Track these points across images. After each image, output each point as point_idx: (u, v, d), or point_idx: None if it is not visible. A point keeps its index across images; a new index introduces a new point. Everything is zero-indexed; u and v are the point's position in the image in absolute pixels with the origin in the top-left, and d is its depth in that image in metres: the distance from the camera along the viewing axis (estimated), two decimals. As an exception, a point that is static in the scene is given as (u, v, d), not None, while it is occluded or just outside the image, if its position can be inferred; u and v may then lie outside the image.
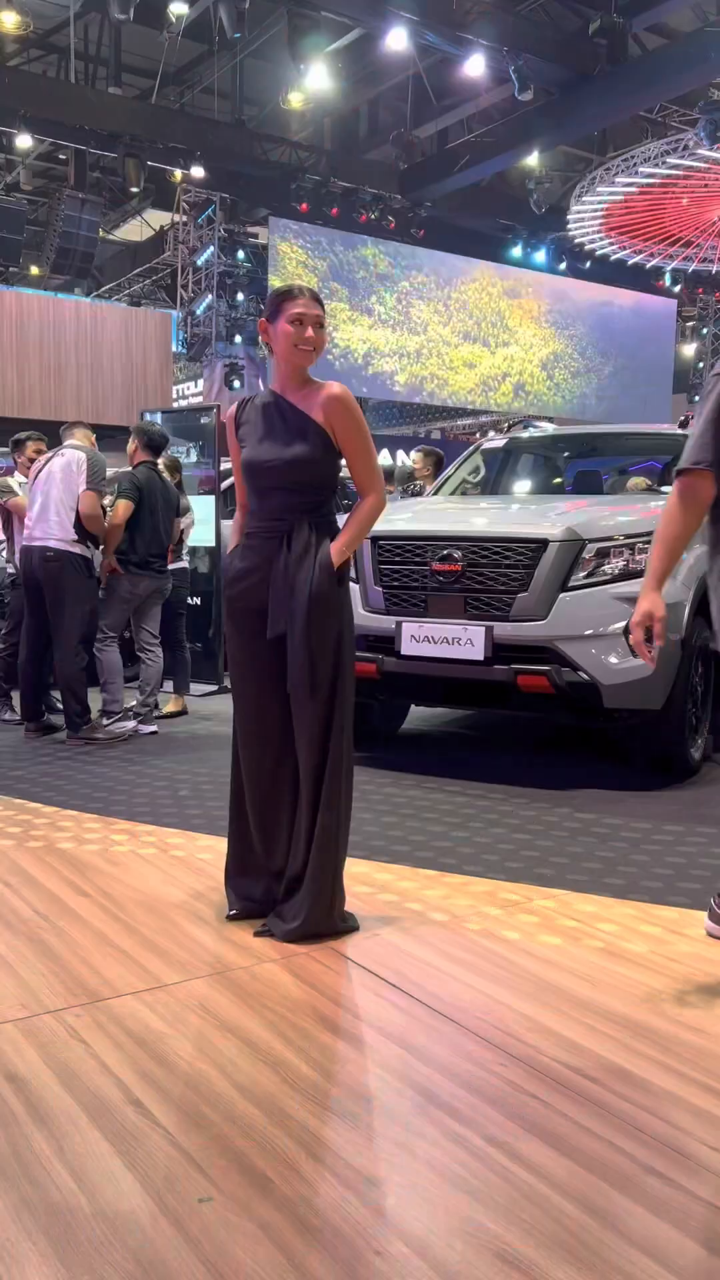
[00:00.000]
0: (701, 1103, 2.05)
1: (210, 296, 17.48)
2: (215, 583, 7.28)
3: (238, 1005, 2.47)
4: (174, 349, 17.29)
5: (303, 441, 2.85)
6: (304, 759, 2.88)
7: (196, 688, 7.12)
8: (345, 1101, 2.05)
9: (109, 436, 17.18)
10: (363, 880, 3.36)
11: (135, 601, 5.92)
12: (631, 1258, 1.60)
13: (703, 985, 2.60)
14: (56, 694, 5.95)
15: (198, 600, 7.35)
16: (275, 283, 17.56)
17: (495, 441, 6.78)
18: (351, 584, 4.83)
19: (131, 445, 6.09)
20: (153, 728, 5.87)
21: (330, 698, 2.88)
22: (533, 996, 2.53)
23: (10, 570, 6.42)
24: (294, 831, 2.92)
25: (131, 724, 5.79)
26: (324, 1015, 2.42)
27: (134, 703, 5.89)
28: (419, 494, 8.43)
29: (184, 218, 17.77)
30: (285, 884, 2.93)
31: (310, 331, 2.86)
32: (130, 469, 6.04)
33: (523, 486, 6.51)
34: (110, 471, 6.20)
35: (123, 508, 5.76)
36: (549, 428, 7.26)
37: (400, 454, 19.07)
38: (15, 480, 6.43)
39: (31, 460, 6.41)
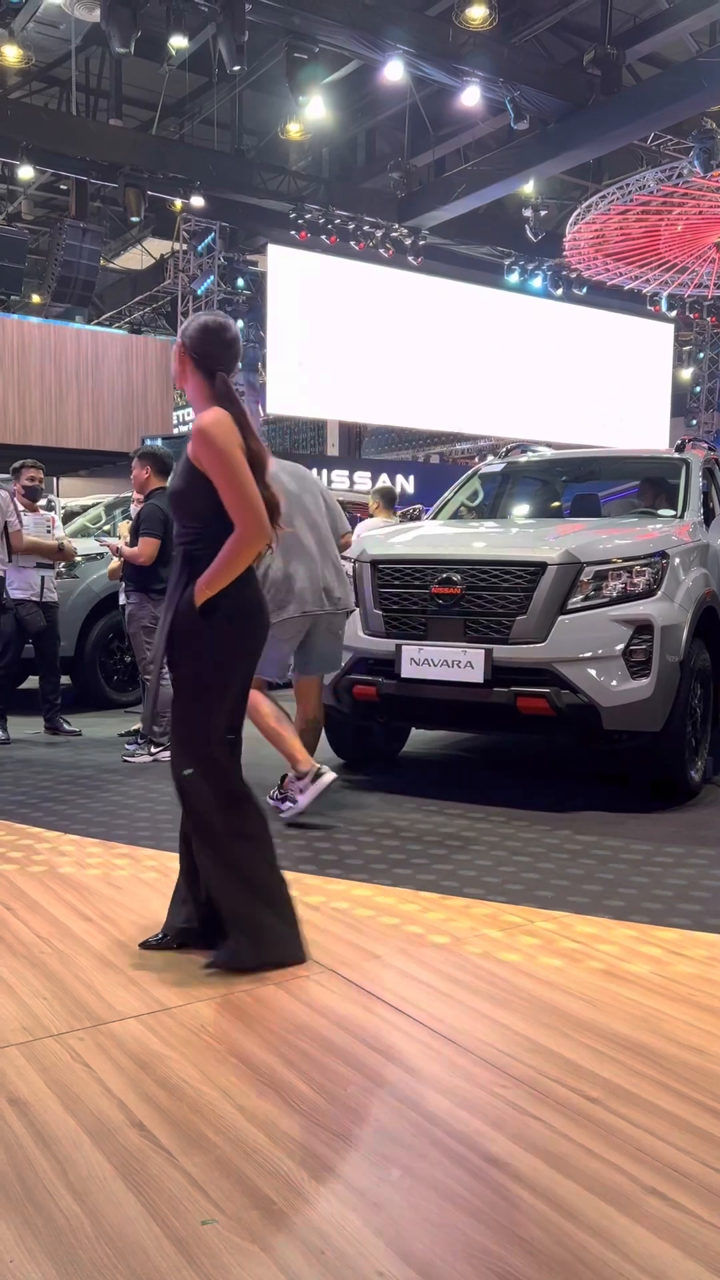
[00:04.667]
0: (702, 1123, 2.05)
1: (210, 324, 17.61)
2: None
3: (240, 1028, 2.47)
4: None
5: (177, 474, 2.90)
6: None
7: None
8: (347, 1123, 2.06)
9: (109, 463, 17.36)
10: (365, 903, 3.36)
11: None
12: (634, 1278, 1.61)
13: (703, 1006, 2.61)
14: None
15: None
16: (273, 310, 17.73)
17: (493, 465, 6.83)
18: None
19: (144, 472, 6.00)
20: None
21: (183, 739, 2.85)
22: (533, 1018, 2.53)
23: (3, 596, 6.48)
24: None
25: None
26: (325, 1037, 2.43)
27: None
28: (416, 519, 8.50)
29: (184, 246, 17.95)
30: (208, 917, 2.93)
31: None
32: (145, 500, 5.98)
33: (521, 510, 6.55)
34: (110, 497, 6.20)
35: (151, 546, 5.75)
36: (546, 452, 7.30)
37: (400, 478, 19.16)
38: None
39: (25, 487, 6.48)
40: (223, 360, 2.84)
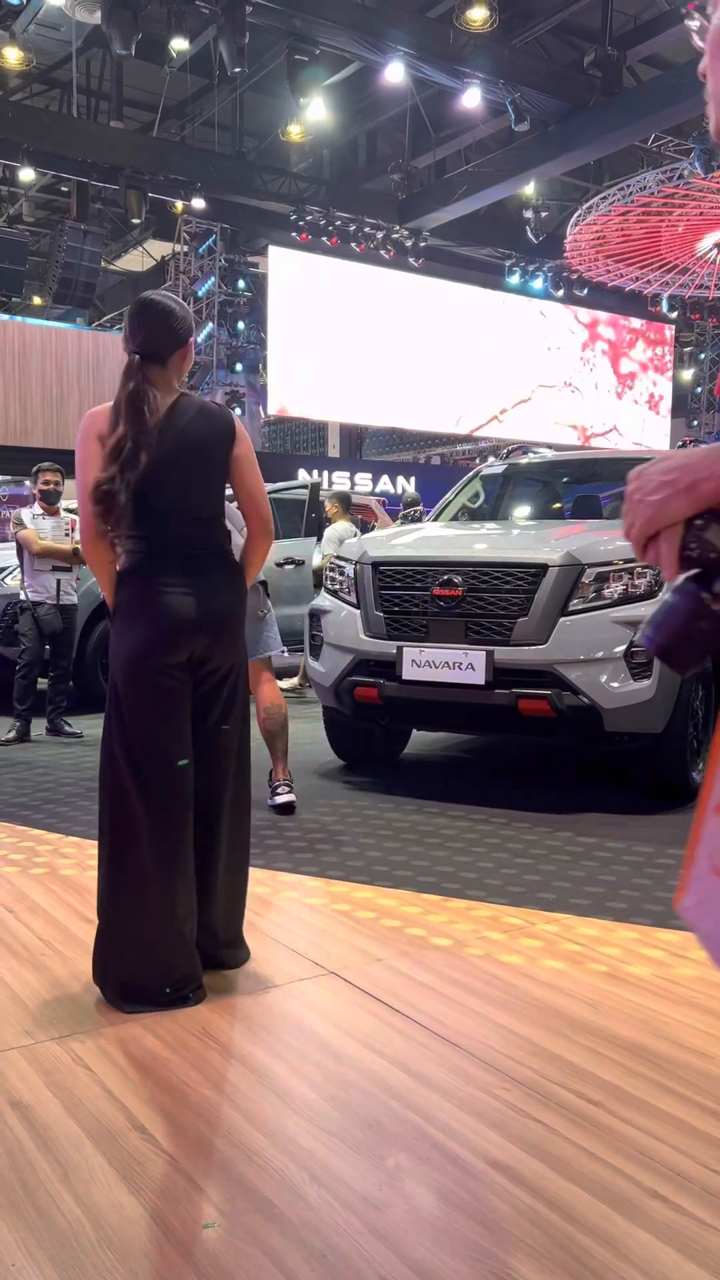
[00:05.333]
0: (704, 1126, 2.05)
1: (211, 325, 17.65)
2: None
3: (241, 1030, 2.47)
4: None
5: None
6: None
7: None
8: (348, 1125, 2.06)
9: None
10: (367, 905, 3.37)
11: None
12: (635, 1281, 1.61)
13: (705, 1009, 2.61)
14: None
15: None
16: (274, 312, 17.74)
17: (494, 467, 6.83)
18: (353, 609, 4.91)
19: None
20: None
21: (105, 735, 2.78)
22: (535, 1021, 2.53)
23: (22, 597, 6.51)
24: None
25: None
26: (326, 1040, 2.43)
27: None
28: (417, 520, 8.49)
29: (185, 248, 17.96)
30: None
31: None
32: None
33: (522, 511, 6.55)
34: None
35: None
36: (547, 453, 7.30)
37: (400, 479, 19.17)
38: (29, 513, 6.52)
39: (42, 490, 6.50)
40: (132, 338, 2.72)
